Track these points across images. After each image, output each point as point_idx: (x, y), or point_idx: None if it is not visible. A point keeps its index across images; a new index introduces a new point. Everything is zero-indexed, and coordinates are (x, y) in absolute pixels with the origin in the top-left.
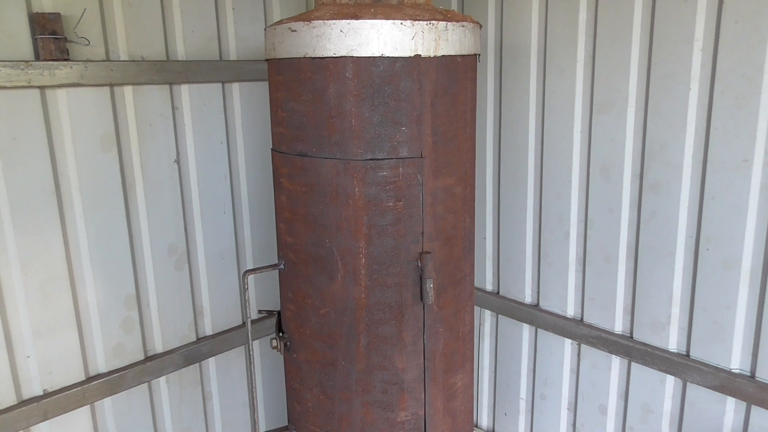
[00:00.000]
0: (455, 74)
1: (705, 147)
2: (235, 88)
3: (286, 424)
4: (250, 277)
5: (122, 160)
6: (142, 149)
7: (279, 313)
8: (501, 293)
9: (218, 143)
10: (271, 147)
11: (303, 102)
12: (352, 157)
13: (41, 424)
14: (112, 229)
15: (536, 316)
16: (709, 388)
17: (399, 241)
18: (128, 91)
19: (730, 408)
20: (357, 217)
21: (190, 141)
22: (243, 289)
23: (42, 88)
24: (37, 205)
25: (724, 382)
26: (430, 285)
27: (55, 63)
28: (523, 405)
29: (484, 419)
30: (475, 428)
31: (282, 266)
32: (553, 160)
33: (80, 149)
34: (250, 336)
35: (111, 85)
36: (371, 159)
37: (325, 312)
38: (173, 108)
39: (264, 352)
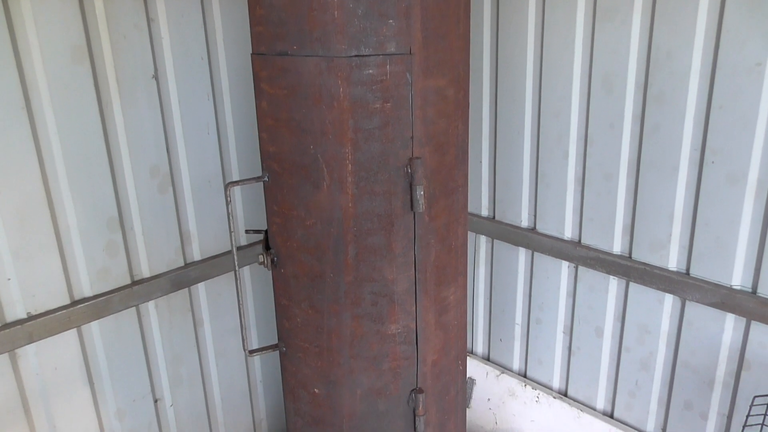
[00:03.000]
0: None
1: (715, 52)
2: None
3: (276, 343)
4: (237, 194)
5: (96, 75)
6: (116, 63)
7: (266, 231)
8: (497, 218)
9: (198, 59)
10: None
11: None
12: (335, 54)
13: (27, 346)
14: (90, 148)
15: (533, 239)
16: (709, 305)
17: (387, 146)
18: None
19: (729, 325)
20: (342, 120)
21: (168, 56)
22: (227, 202)
23: None
24: (6, 121)
25: (724, 298)
26: (420, 192)
27: None
28: (518, 330)
29: (479, 346)
30: (470, 355)
31: (266, 178)
32: (553, 75)
33: (49, 61)
34: (234, 249)
35: None
36: (356, 56)
37: (312, 223)
38: (148, 19)
39: (255, 276)
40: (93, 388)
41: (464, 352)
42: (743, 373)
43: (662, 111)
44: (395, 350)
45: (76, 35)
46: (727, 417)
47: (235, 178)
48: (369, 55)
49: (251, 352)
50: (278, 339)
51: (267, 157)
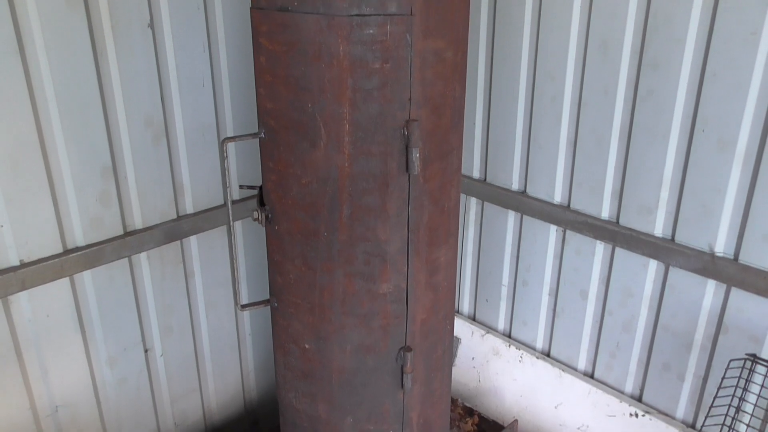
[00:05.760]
0: None
1: (711, 19)
2: None
3: (268, 298)
4: (231, 148)
5: (91, 20)
6: (112, 9)
7: (260, 187)
8: (488, 180)
9: (195, 8)
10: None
11: None
12: (336, 12)
13: (20, 293)
14: (84, 95)
15: (523, 202)
16: (691, 271)
17: (385, 106)
18: None
19: (710, 290)
20: (341, 79)
21: (165, 4)
22: (222, 158)
23: None
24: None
25: (706, 264)
26: (416, 155)
27: None
28: (504, 291)
29: (465, 306)
30: (456, 314)
31: (262, 135)
32: (550, 38)
33: (44, 5)
34: (229, 204)
35: None
36: (357, 15)
37: (307, 181)
38: None
39: (247, 231)
40: (84, 336)
41: (452, 312)
42: (721, 337)
43: (656, 77)
44: (386, 309)
45: None
46: (703, 379)
47: (230, 131)
48: (370, 15)
49: (243, 306)
50: (270, 294)
51: (264, 114)
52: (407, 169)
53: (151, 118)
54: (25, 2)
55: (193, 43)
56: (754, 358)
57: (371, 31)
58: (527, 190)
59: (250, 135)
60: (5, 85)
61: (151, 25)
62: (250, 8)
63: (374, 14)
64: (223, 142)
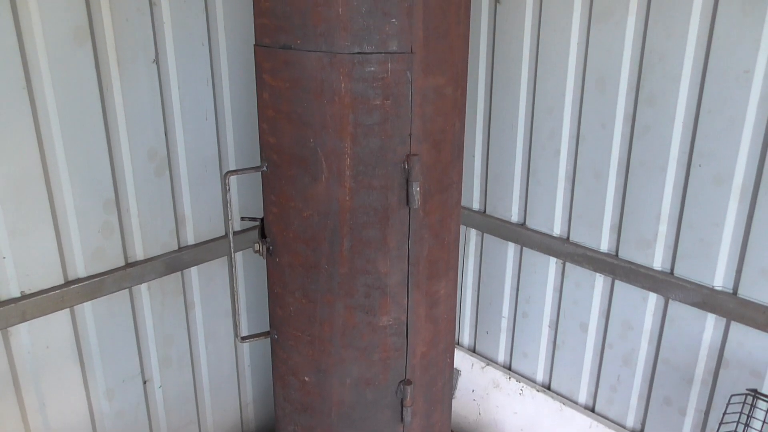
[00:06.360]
0: None
1: (705, 57)
2: None
3: (268, 330)
4: (232, 181)
5: (97, 56)
6: (118, 46)
7: (262, 219)
8: (488, 212)
9: (199, 45)
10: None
11: None
12: (338, 50)
13: (20, 325)
14: (89, 129)
15: (522, 234)
16: (691, 305)
17: (386, 141)
18: None
19: (710, 324)
20: (343, 115)
21: (170, 40)
22: (224, 190)
23: None
24: (6, 99)
25: (706, 298)
26: (416, 189)
27: None
28: (504, 323)
29: (465, 337)
30: (456, 346)
31: (265, 168)
32: (548, 73)
33: (51, 41)
34: (231, 237)
35: None
36: (359, 53)
37: (309, 215)
38: (151, 4)
39: (247, 262)
40: (83, 368)
41: (452, 344)
42: (721, 371)
43: (653, 113)
44: (386, 341)
45: (78, 16)
46: (705, 413)
47: (232, 164)
48: (371, 53)
49: (243, 338)
50: (270, 326)
51: (266, 148)
52: (407, 202)
53: (155, 150)
54: (33, 37)
55: (197, 77)
56: (756, 394)
57: (372, 69)
58: (527, 223)
59: (252, 168)
60: (11, 118)
61: (156, 61)
62: (254, 45)
63: (375, 52)
64: (226, 176)
